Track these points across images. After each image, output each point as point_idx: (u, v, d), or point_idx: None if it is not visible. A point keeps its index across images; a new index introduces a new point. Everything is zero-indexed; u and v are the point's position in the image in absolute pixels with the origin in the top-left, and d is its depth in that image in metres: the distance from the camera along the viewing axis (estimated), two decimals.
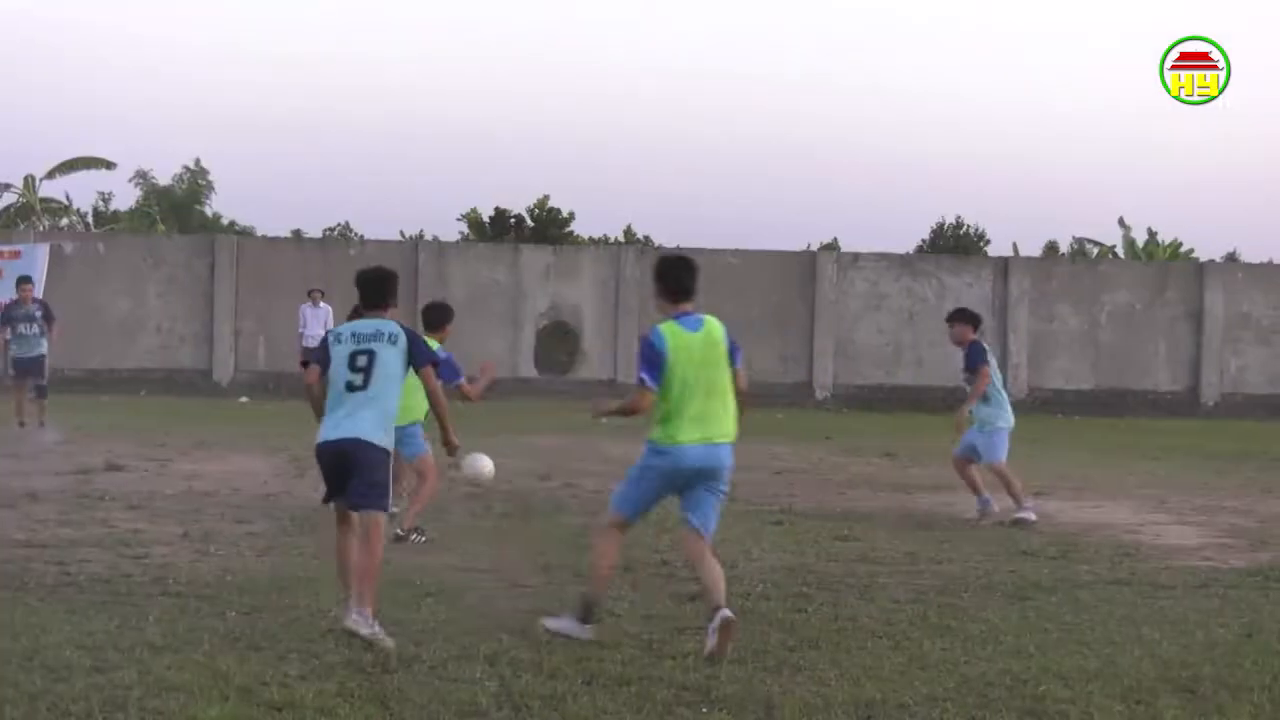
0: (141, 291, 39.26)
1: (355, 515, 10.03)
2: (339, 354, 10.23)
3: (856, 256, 40.61)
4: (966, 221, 61.71)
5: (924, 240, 60.83)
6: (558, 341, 39.69)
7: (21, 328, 25.53)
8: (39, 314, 25.78)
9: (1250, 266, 44.82)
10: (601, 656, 9.33)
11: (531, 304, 39.27)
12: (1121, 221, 50.72)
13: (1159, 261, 46.39)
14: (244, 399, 36.51)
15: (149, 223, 60.70)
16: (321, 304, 34.96)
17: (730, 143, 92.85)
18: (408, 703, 8.16)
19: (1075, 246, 53.97)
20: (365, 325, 10.39)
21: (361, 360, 10.16)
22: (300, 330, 35.63)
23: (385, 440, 10.15)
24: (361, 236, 53.90)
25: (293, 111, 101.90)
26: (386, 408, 10.19)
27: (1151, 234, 50.68)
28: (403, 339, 10.29)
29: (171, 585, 11.43)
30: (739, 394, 10.16)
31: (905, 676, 9.13)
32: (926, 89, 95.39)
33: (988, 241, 60.93)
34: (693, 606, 11.09)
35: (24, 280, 26.85)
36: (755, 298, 38.11)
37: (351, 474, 10.01)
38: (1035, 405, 39.27)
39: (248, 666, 8.80)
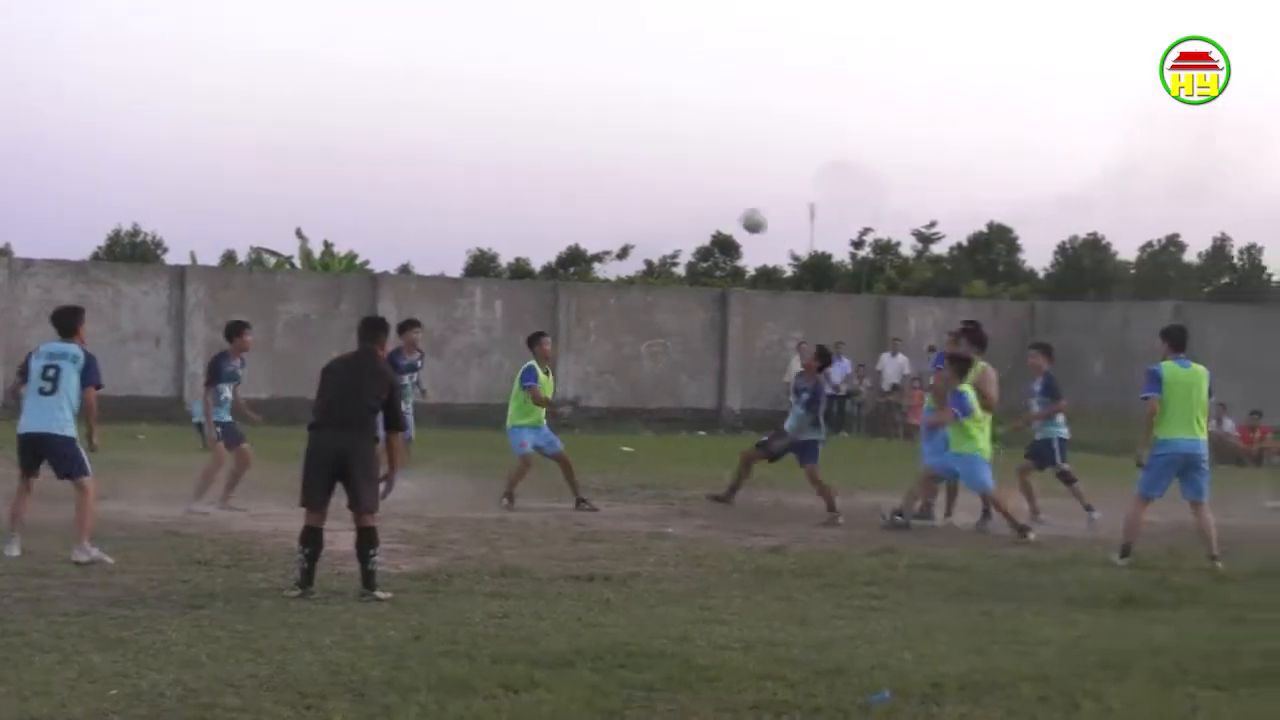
0: None
1: None
2: None
3: (29, 262, 39.38)
4: (144, 230, 61.07)
5: (100, 247, 59.77)
6: None
7: None
8: None
9: (422, 278, 46.33)
10: None
11: None
12: (299, 233, 51.16)
13: (335, 273, 47.17)
14: None
15: None
16: None
17: None
18: None
19: (253, 256, 54.05)
20: None
21: None
22: None
23: None
24: None
25: None
26: None
27: (328, 246, 51.32)
28: None
29: None
30: None
31: (74, 691, 9.01)
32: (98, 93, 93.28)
33: (166, 250, 60.50)
34: None
35: None
36: None
37: None
38: None
39: None
